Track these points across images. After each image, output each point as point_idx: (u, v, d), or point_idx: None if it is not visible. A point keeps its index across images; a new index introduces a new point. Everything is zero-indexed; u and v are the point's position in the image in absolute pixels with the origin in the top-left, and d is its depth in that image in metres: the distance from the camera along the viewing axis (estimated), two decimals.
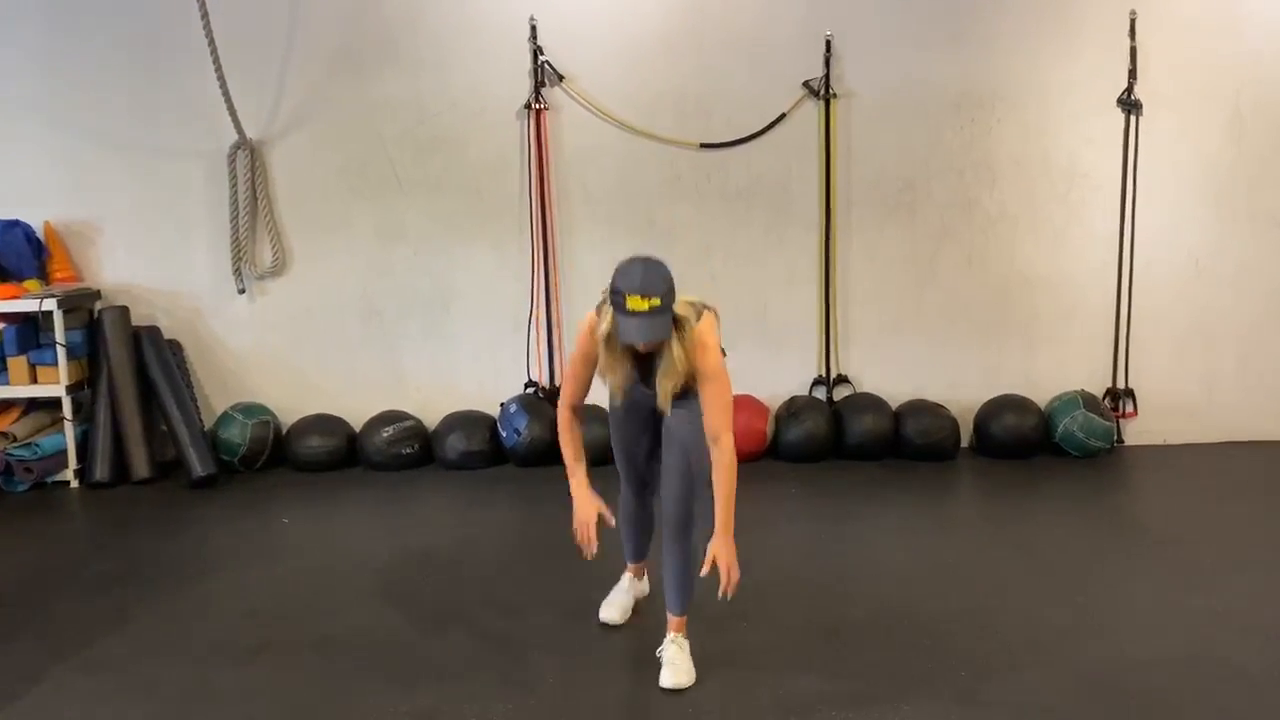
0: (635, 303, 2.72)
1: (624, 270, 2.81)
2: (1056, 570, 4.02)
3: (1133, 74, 5.46)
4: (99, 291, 5.63)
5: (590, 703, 3.04)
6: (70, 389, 5.33)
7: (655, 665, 3.17)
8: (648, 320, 2.76)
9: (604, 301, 2.93)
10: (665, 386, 2.96)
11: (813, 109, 5.55)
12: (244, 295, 5.67)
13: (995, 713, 2.95)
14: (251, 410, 5.57)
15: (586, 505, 3.16)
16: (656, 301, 2.74)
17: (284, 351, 5.75)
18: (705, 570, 2.97)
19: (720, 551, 2.94)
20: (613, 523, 3.20)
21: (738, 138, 5.56)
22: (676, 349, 2.88)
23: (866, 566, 4.13)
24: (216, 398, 5.73)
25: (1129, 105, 5.49)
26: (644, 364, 3.02)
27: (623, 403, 3.18)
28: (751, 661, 3.21)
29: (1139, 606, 3.67)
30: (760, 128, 5.54)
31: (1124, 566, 4.07)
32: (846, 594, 3.83)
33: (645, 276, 2.76)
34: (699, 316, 2.98)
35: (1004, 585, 3.89)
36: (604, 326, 2.91)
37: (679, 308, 2.88)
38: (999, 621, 3.55)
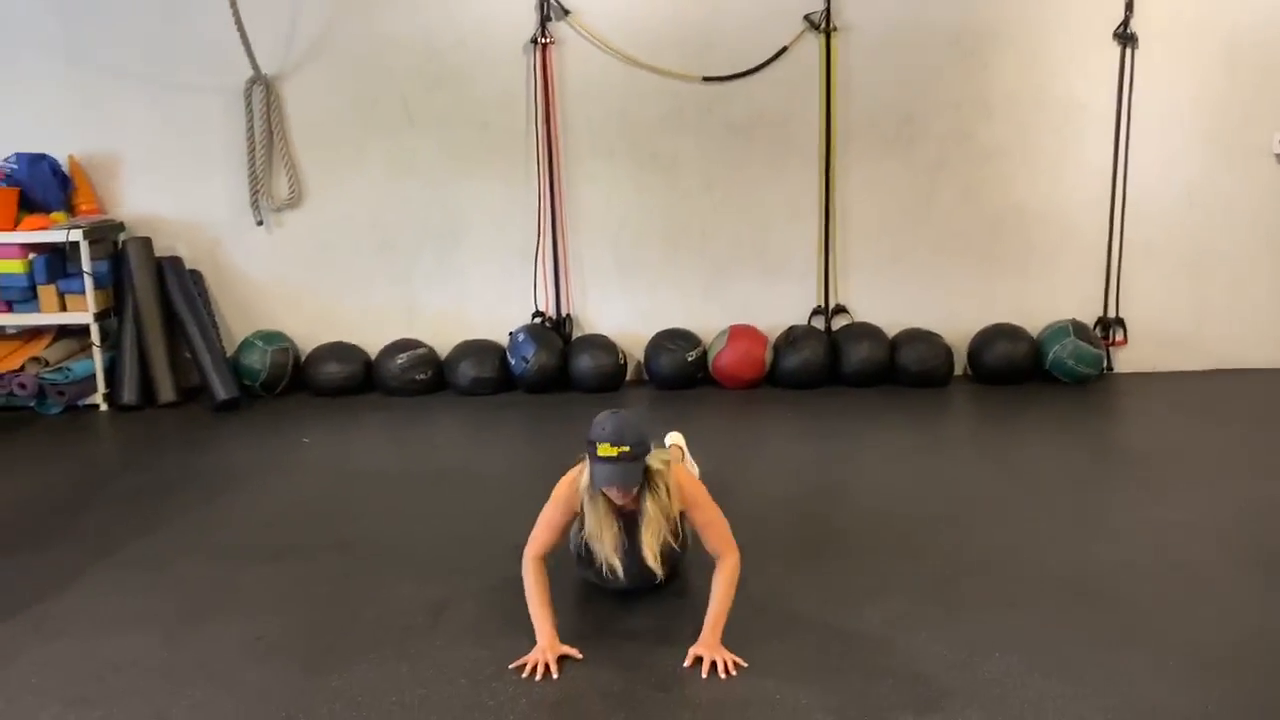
0: (606, 450, 2.83)
1: (597, 422, 2.90)
2: (1036, 485, 4.23)
3: (1129, 7, 5.53)
4: (122, 224, 5.83)
5: (588, 595, 3.27)
6: (98, 316, 5.56)
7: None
8: (618, 466, 2.85)
9: (585, 460, 2.97)
10: (650, 541, 2.99)
11: (813, 42, 5.65)
12: (262, 227, 5.87)
13: (963, 606, 3.16)
14: (271, 337, 5.80)
15: (553, 645, 2.91)
16: (626, 448, 2.83)
17: (301, 281, 5.96)
18: (689, 664, 2.87)
19: (706, 652, 2.86)
20: (580, 657, 2.92)
21: (739, 71, 5.67)
22: (650, 506, 2.95)
23: (856, 481, 4.35)
24: (237, 325, 5.95)
25: (1125, 39, 5.57)
26: (630, 526, 3.04)
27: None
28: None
29: (1109, 517, 3.87)
30: (762, 61, 5.66)
31: (1100, 482, 4.27)
32: (834, 505, 4.06)
33: (616, 426, 2.86)
34: (669, 464, 3.03)
35: (984, 497, 4.10)
36: (585, 479, 2.97)
37: (652, 461, 2.94)
38: (976, 529, 3.77)
